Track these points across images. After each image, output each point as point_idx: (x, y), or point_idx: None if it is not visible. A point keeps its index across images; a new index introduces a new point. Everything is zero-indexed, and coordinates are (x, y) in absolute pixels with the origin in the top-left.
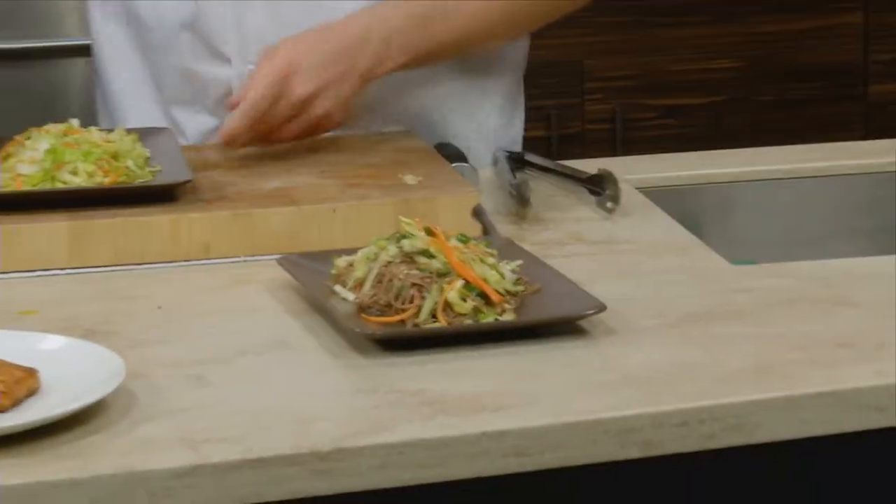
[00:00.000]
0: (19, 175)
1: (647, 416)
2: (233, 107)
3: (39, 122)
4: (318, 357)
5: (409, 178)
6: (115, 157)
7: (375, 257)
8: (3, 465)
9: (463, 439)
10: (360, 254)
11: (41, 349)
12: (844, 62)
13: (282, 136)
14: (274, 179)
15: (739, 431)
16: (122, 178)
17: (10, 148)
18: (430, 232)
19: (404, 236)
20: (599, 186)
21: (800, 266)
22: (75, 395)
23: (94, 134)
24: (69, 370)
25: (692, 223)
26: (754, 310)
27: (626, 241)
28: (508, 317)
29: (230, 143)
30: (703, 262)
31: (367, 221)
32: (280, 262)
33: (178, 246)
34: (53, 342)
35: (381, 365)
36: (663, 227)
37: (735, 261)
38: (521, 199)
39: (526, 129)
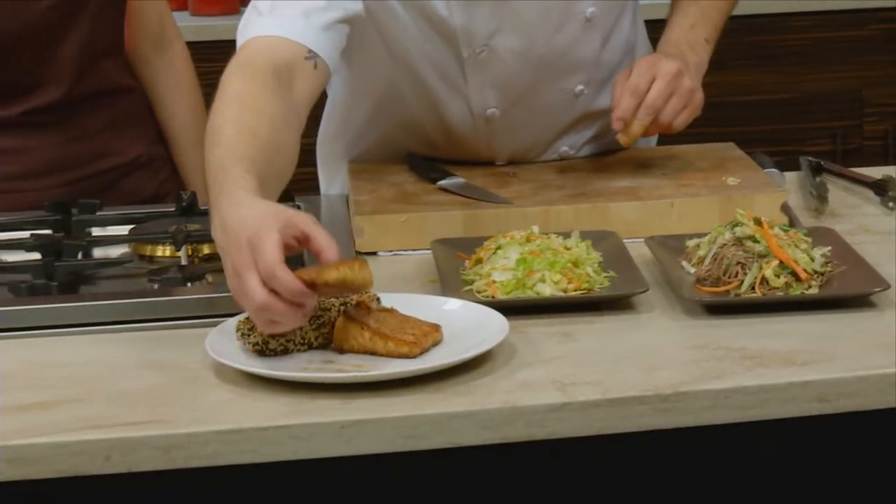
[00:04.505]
0: (493, 282)
1: None
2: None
3: None
4: (661, 318)
5: (731, 180)
6: (575, 264)
7: (715, 240)
8: (414, 398)
9: (776, 387)
10: (706, 237)
11: (444, 309)
12: None
13: (665, 117)
14: (623, 180)
15: None
16: (585, 286)
17: (481, 253)
18: (758, 222)
19: (737, 224)
20: (883, 189)
21: None
22: (469, 346)
23: (553, 241)
24: (464, 326)
25: None
26: None
27: None
28: (813, 291)
29: (629, 142)
30: None
31: (696, 214)
32: (647, 242)
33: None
34: (453, 304)
35: (710, 326)
36: None
37: None
38: (820, 198)
39: (816, 144)
